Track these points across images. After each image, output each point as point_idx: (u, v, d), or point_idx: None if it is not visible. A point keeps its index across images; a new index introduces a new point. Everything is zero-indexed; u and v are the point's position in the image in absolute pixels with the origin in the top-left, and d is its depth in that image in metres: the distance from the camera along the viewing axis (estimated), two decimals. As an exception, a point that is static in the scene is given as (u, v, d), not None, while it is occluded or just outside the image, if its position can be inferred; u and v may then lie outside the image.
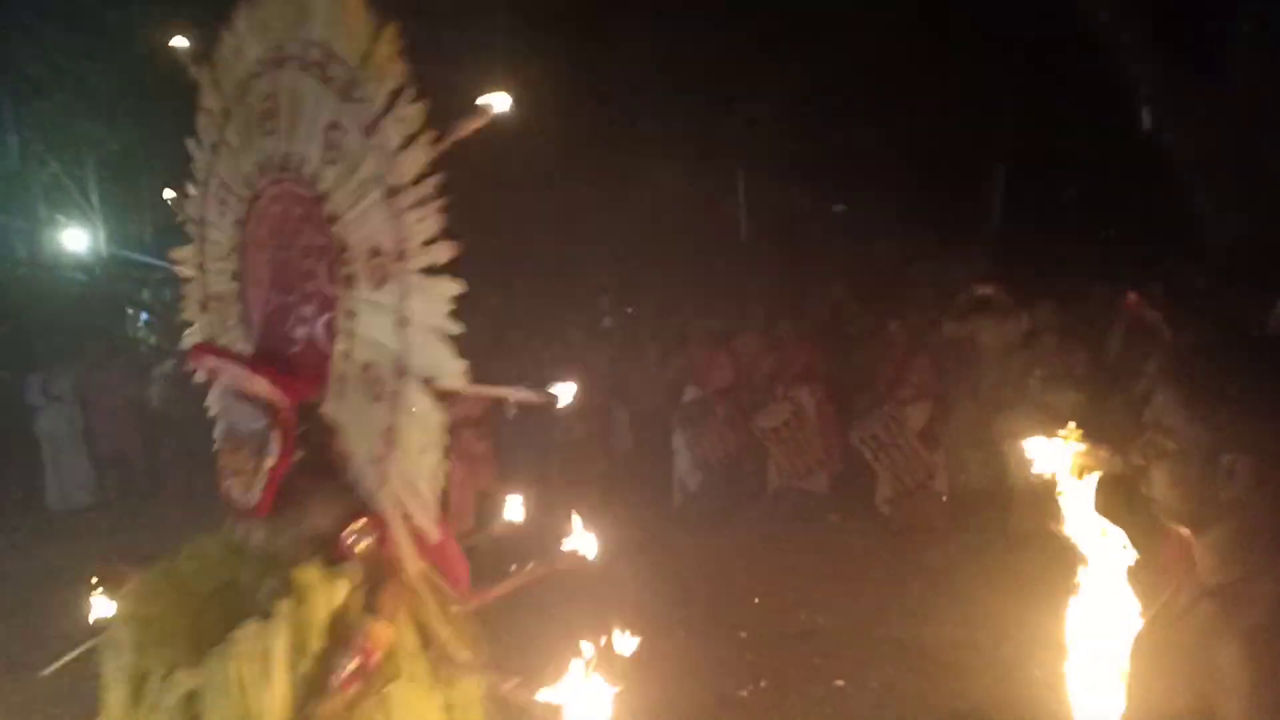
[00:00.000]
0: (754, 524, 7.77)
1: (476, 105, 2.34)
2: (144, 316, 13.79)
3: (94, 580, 2.56)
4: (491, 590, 3.13)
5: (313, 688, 2.23)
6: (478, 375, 6.81)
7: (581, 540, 3.31)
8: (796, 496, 7.69)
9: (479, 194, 12.25)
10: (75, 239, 15.37)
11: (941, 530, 6.75)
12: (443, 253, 2.28)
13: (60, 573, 7.51)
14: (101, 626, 2.33)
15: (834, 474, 7.61)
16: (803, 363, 7.84)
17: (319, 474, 2.60)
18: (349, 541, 2.45)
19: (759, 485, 8.06)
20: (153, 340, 13.70)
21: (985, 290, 8.65)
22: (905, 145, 12.12)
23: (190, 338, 2.81)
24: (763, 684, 4.88)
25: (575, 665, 2.45)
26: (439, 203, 2.25)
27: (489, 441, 7.55)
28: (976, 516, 6.60)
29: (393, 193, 2.31)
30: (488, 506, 7.66)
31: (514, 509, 3.46)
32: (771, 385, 7.83)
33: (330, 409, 2.58)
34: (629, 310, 10.43)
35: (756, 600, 6.10)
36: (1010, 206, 12.82)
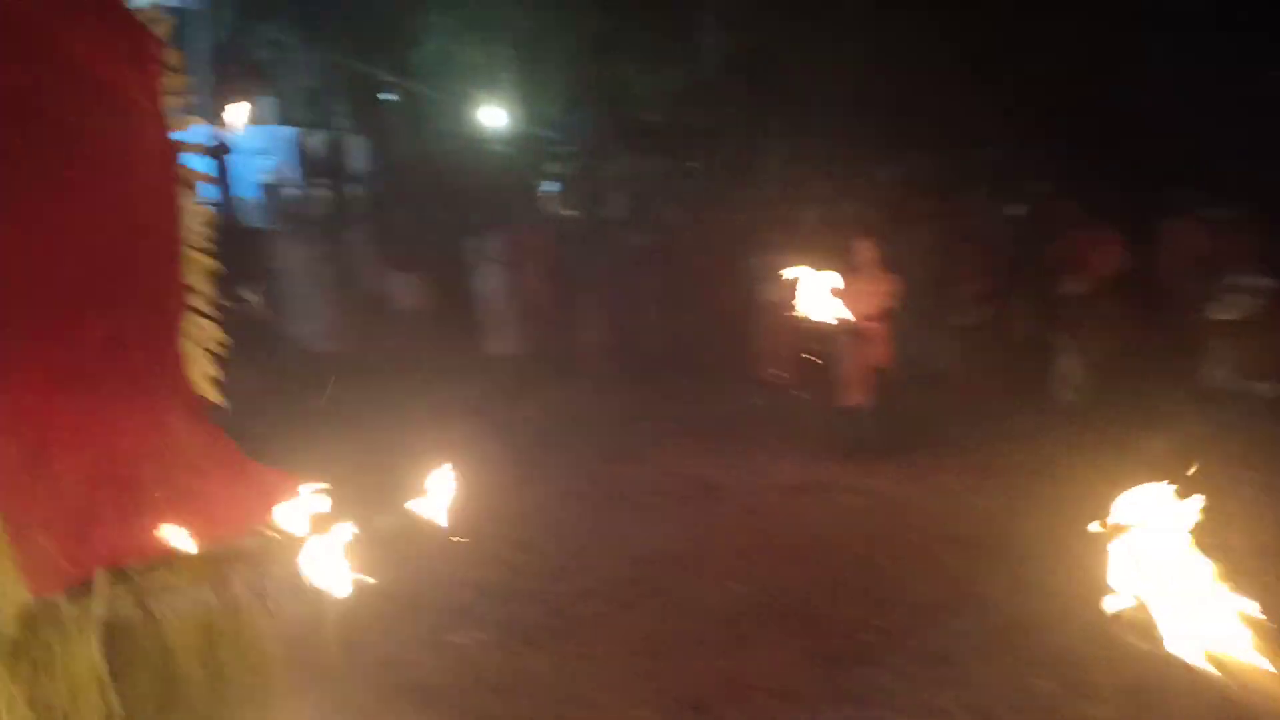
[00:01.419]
0: (1170, 426, 7.14)
1: None
2: (553, 186, 14.99)
3: None
4: None
5: None
6: (879, 246, 6.74)
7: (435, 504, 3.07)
8: (1232, 399, 6.91)
9: (874, 73, 11.81)
10: (493, 115, 16.97)
11: None
12: None
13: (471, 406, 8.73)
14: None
15: (1285, 378, 6.73)
16: (1256, 250, 6.91)
17: None
18: None
19: (1161, 384, 7.34)
20: (560, 207, 14.92)
21: None
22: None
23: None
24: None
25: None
26: None
27: (886, 321, 7.51)
28: None
29: None
30: (883, 381, 7.72)
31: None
32: (1217, 273, 6.99)
33: None
34: (1036, 191, 9.70)
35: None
36: None
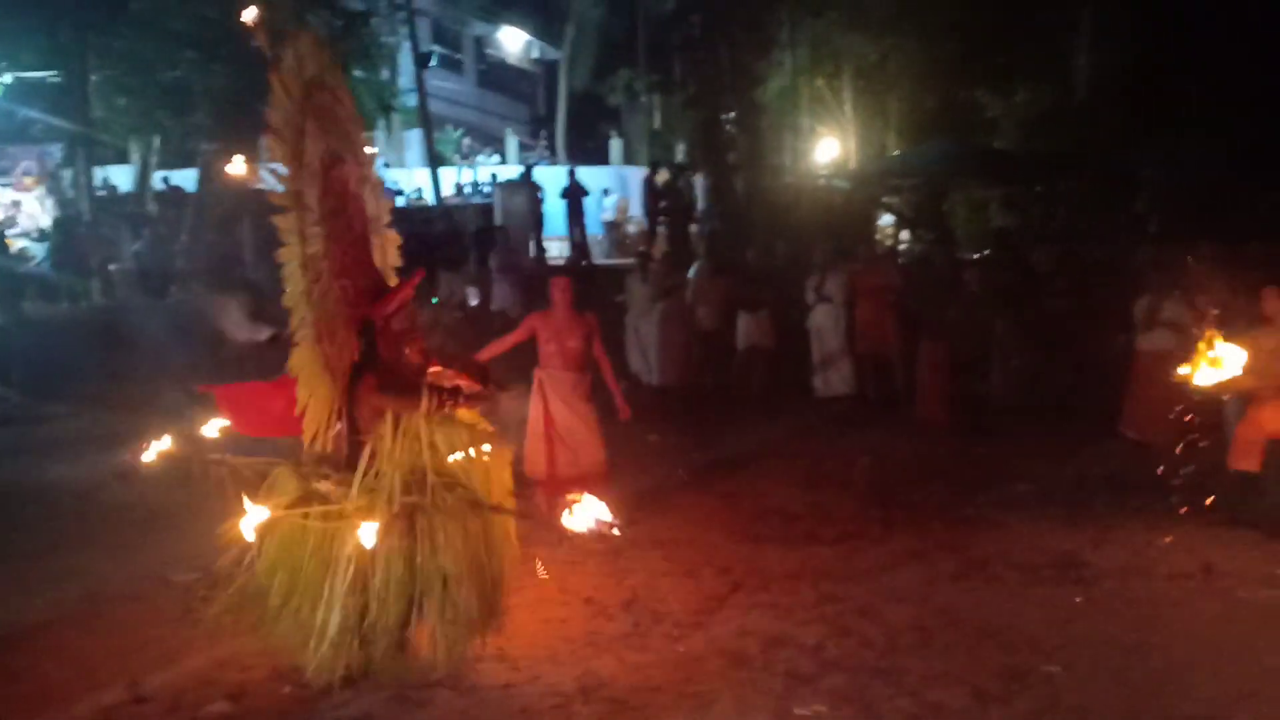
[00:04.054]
0: None
1: None
2: (888, 219, 14.50)
3: None
4: None
5: None
6: None
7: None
8: None
9: None
10: (830, 149, 16.78)
11: None
12: None
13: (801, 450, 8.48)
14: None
15: None
16: None
17: None
18: None
19: None
20: (891, 243, 14.38)
21: None
22: None
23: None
24: None
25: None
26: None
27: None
28: None
29: None
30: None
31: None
32: None
33: None
34: None
35: None
36: None
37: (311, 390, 4.42)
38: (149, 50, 15.98)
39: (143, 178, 18.17)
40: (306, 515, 4.25)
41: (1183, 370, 5.99)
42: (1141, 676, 4.45)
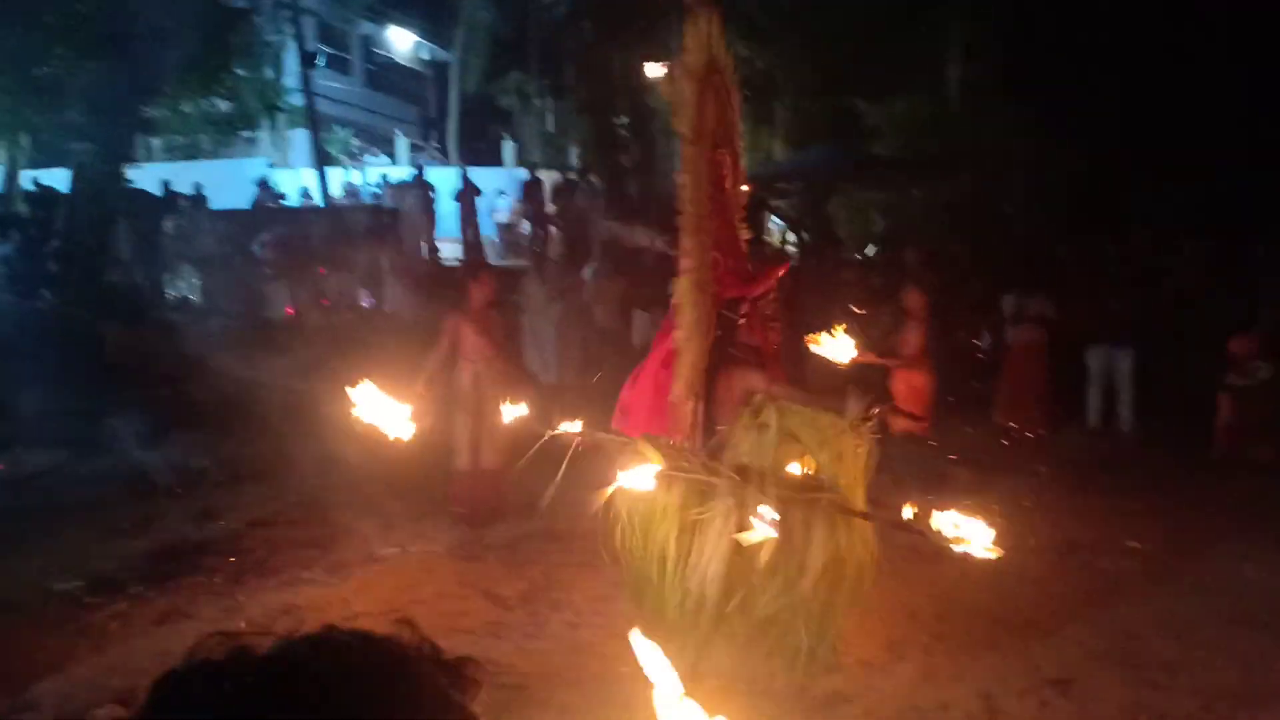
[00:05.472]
0: None
1: None
2: (778, 222, 14.92)
3: None
4: None
5: None
6: (924, 296, 6.59)
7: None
8: None
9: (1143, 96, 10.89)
10: (720, 152, 17.13)
11: None
12: None
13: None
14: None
15: None
16: None
17: None
18: None
19: None
20: (781, 244, 14.83)
21: None
22: None
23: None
24: None
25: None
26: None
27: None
28: None
29: None
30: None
31: None
32: None
33: None
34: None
35: None
36: None
37: (691, 330, 4.28)
38: (16, 45, 15.19)
39: (11, 178, 17.27)
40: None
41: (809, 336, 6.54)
42: (1008, 643, 4.78)
